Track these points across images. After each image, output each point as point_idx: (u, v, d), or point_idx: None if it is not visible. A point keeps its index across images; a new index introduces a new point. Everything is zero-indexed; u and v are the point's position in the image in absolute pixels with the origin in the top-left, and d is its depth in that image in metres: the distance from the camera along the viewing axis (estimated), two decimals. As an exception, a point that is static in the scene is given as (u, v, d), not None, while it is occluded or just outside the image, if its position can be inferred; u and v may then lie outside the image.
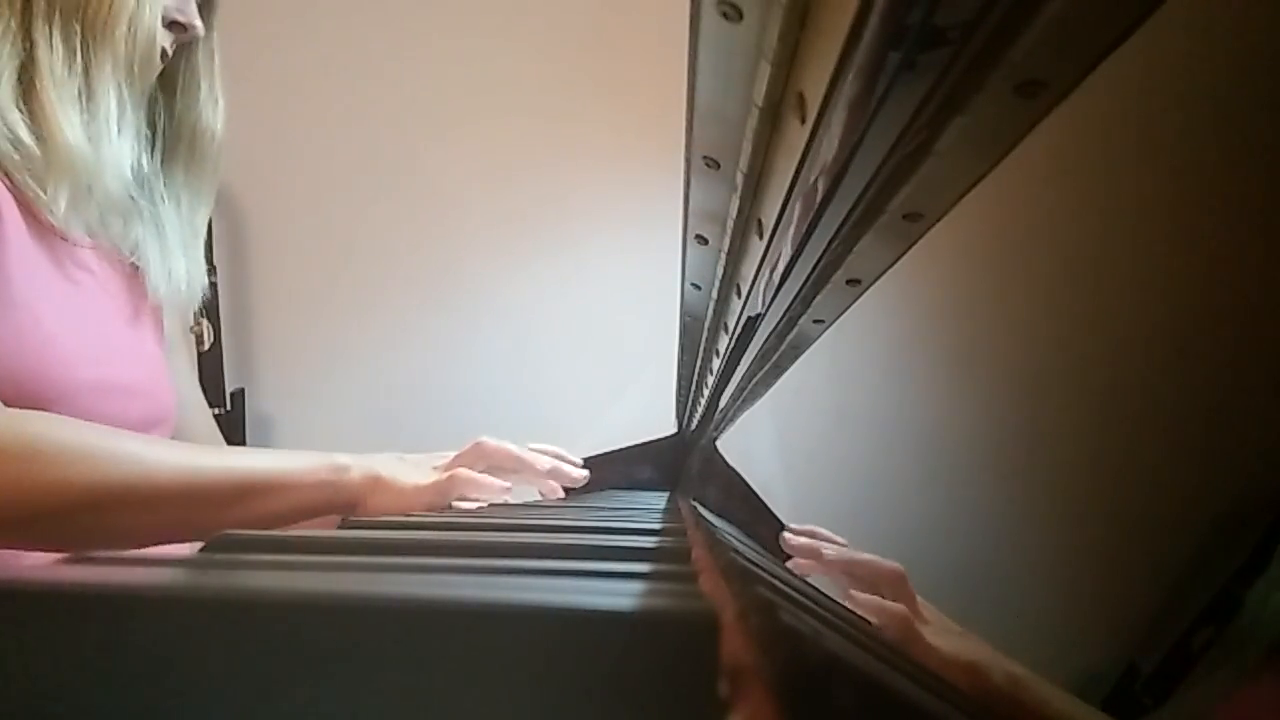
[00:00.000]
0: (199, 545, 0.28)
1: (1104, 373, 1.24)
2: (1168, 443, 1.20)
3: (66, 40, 0.68)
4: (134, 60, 0.71)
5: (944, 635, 0.56)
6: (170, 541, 0.64)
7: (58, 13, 0.68)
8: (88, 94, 0.70)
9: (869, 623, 0.52)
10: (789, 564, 0.73)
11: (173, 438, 0.84)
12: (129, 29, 0.70)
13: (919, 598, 0.62)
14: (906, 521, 1.25)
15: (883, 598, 0.61)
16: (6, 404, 0.62)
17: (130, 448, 0.58)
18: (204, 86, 0.82)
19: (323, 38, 1.39)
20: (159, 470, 0.58)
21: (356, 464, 0.67)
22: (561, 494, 0.81)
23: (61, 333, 0.69)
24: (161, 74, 0.77)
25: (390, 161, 1.41)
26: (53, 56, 0.68)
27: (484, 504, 0.69)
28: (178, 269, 0.82)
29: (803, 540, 0.70)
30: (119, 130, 0.72)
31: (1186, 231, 1.22)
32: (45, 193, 0.68)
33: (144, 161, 0.78)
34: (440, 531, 0.36)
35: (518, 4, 1.40)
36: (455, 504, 0.71)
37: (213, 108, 0.83)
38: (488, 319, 1.41)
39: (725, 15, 0.27)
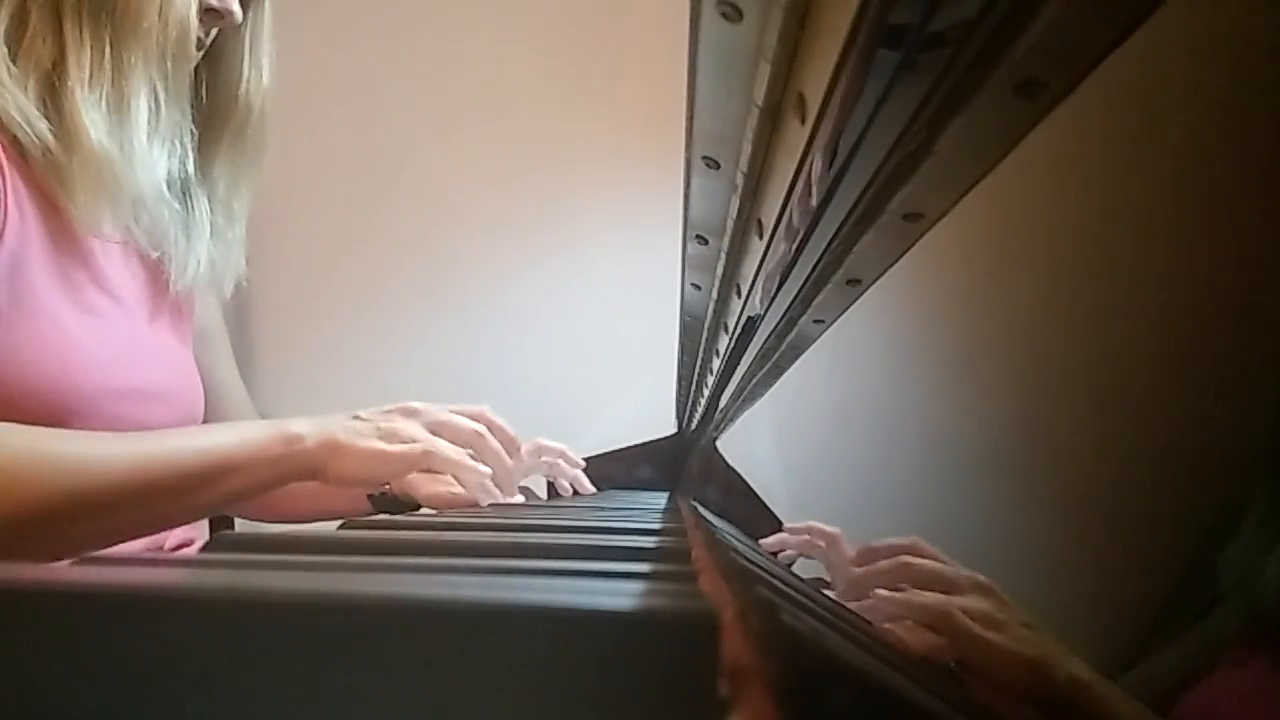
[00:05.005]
0: (198, 545, 0.28)
1: (1104, 372, 1.24)
2: (1168, 442, 1.20)
3: (95, 37, 0.66)
4: (166, 52, 0.68)
5: (1007, 630, 0.54)
6: (134, 538, 0.62)
7: (85, 8, 0.66)
8: (118, 95, 0.67)
9: (869, 623, 0.52)
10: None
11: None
12: (159, 18, 0.67)
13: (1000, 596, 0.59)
14: (906, 521, 1.25)
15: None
16: (26, 412, 0.60)
17: (75, 451, 0.56)
18: (247, 62, 0.78)
19: (321, 37, 1.39)
20: (108, 472, 0.56)
21: (312, 431, 0.63)
22: (570, 491, 0.80)
23: (84, 339, 0.67)
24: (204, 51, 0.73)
25: (390, 161, 1.41)
26: (81, 56, 0.65)
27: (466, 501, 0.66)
28: (200, 258, 0.78)
29: (876, 568, 0.64)
30: (152, 133, 0.69)
31: (1187, 231, 1.22)
32: (73, 196, 0.66)
33: (187, 163, 0.74)
34: (440, 531, 0.36)
35: (517, 4, 1.40)
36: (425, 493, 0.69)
37: (257, 84, 0.79)
38: (488, 319, 1.41)
39: (725, 15, 0.27)
